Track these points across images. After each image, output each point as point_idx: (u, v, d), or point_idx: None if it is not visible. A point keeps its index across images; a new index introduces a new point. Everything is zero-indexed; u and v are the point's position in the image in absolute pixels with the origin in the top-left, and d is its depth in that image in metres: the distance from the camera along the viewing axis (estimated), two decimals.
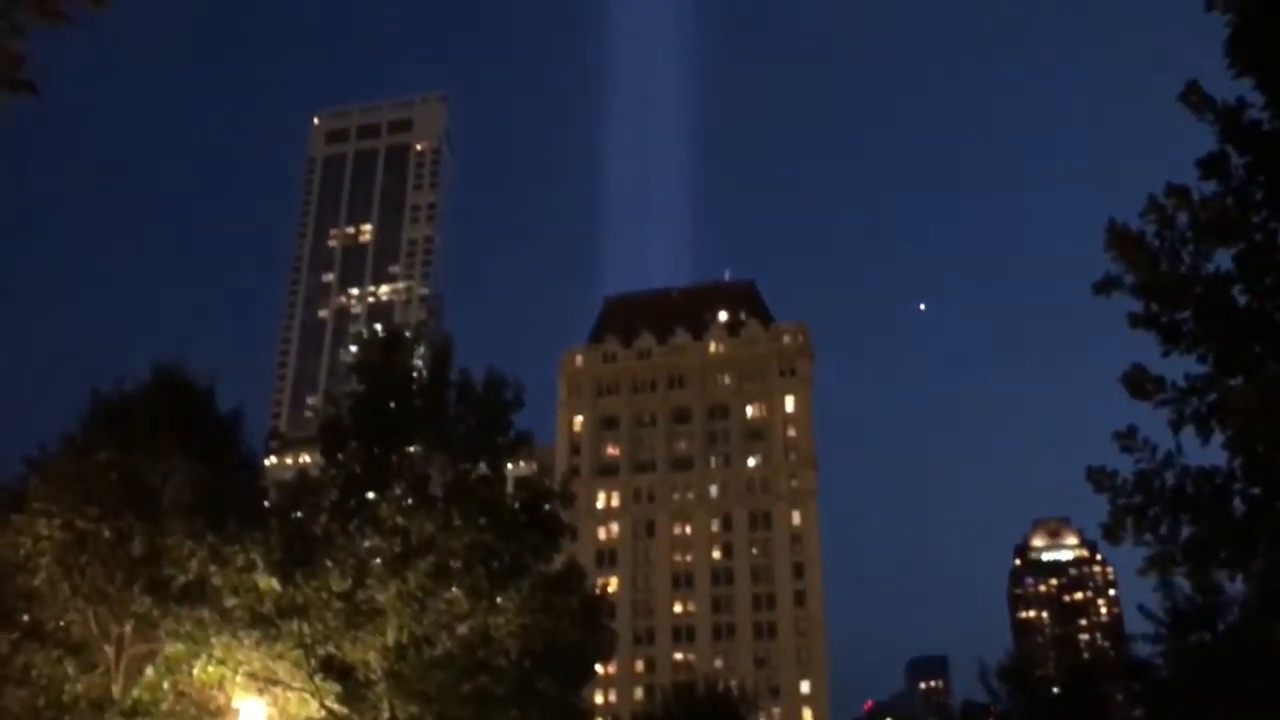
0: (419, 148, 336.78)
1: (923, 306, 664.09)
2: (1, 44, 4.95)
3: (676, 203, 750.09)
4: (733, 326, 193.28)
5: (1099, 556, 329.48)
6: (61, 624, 32.76)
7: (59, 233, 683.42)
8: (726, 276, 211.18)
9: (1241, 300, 11.31)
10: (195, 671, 30.99)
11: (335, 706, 30.63)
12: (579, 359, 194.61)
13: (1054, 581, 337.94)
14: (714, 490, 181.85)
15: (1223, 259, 11.46)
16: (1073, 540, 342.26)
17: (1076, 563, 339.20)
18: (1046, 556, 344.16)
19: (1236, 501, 11.42)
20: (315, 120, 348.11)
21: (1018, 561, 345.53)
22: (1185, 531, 11.52)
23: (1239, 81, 11.01)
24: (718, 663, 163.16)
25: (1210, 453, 11.49)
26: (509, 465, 36.57)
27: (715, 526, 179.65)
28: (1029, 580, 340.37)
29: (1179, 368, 11.53)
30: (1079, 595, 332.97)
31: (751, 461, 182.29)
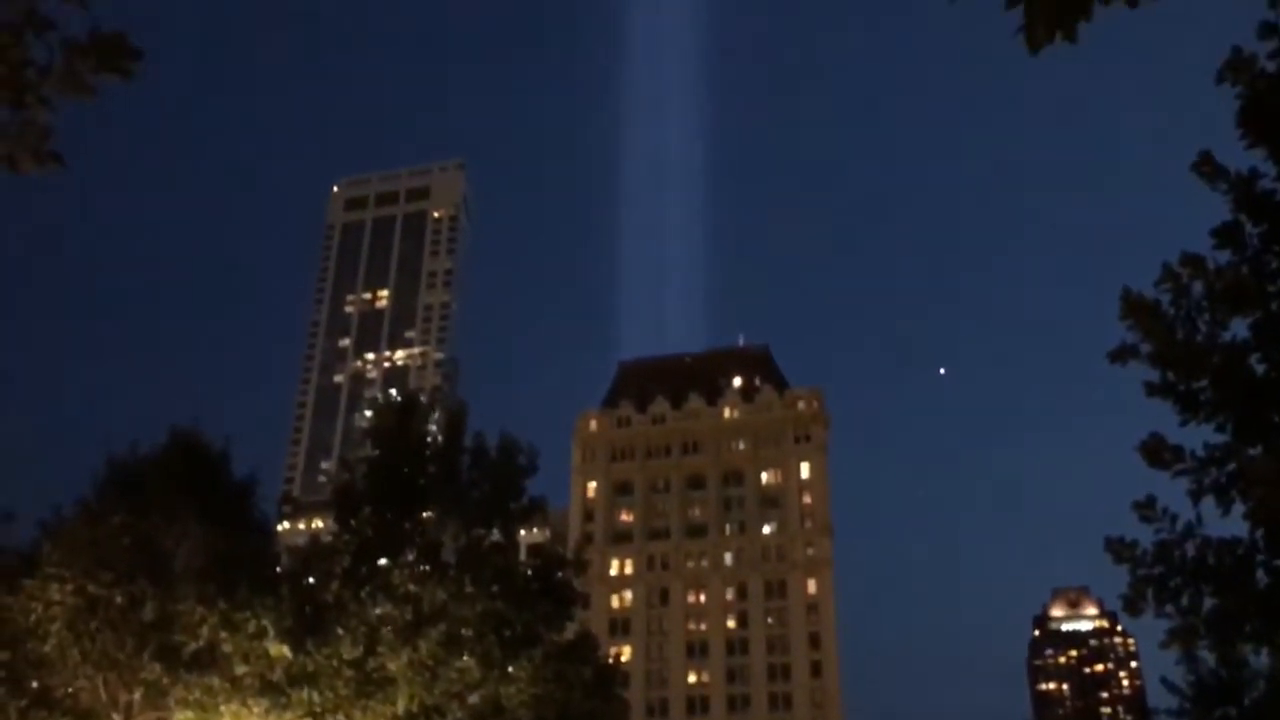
0: (437, 214, 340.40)
1: (943, 371, 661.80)
2: (30, 116, 5.06)
3: (692, 268, 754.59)
4: (747, 392, 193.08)
5: (1120, 627, 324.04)
6: (70, 691, 32.52)
7: (78, 297, 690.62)
8: (741, 342, 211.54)
9: (1259, 369, 11.26)
10: None
11: None
12: (593, 424, 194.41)
13: (1074, 653, 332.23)
14: (729, 558, 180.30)
15: (1239, 328, 11.43)
16: (1093, 610, 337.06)
17: (1097, 633, 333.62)
18: (1066, 627, 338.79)
19: (1260, 574, 11.26)
20: (334, 188, 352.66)
21: (1037, 632, 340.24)
22: (1208, 604, 11.34)
23: (1251, 152, 11.07)
24: None
25: (1231, 523, 11.35)
26: (522, 531, 36.45)
27: (730, 595, 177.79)
28: (1049, 651, 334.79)
29: (1198, 437, 11.44)
30: (1100, 667, 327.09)
31: (767, 529, 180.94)
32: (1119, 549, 11.64)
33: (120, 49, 5.11)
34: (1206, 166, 11.40)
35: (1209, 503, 11.29)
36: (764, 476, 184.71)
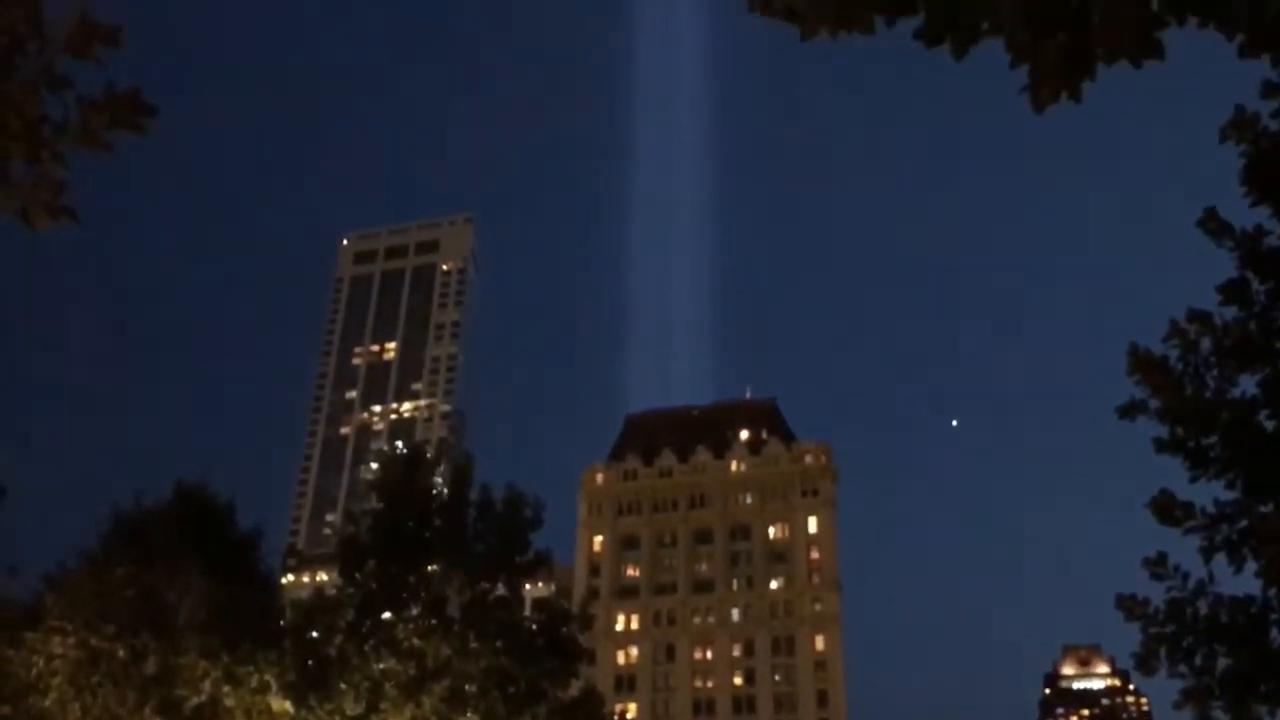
0: (445, 267, 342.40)
1: (955, 423, 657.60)
2: (45, 172, 5.11)
3: (698, 320, 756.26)
4: (754, 445, 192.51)
5: (1132, 686, 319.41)
6: None
7: (83, 349, 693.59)
8: (748, 394, 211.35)
9: (1269, 426, 11.21)
10: None
11: None
12: (600, 477, 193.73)
13: (1086, 712, 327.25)
14: (736, 614, 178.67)
15: (1248, 384, 11.41)
16: (1104, 669, 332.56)
17: (1109, 692, 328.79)
18: (1078, 685, 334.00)
19: (1274, 633, 11.12)
20: (344, 241, 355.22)
21: (1048, 690, 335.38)
22: (1222, 663, 11.19)
23: (1256, 209, 11.11)
24: None
25: (1244, 581, 11.24)
26: (527, 586, 36.20)
27: (737, 651, 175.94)
28: (1060, 710, 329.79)
29: (1208, 493, 11.36)
30: None
31: (774, 584, 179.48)
32: (1130, 606, 11.52)
33: (134, 106, 5.18)
34: (1212, 223, 11.45)
35: (1221, 560, 11.19)
36: (771, 531, 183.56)
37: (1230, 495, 11.31)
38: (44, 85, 5.05)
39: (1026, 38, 4.72)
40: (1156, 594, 11.44)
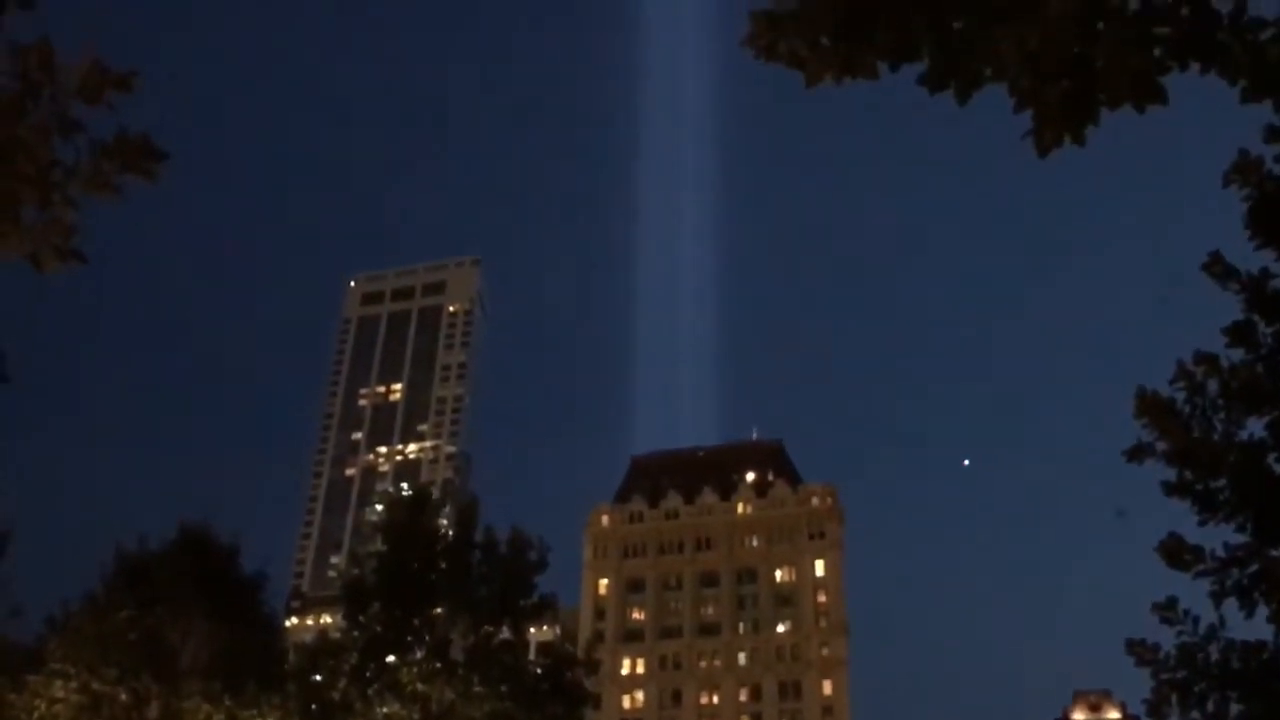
0: (452, 309, 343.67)
1: (967, 462, 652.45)
2: (55, 215, 5.15)
3: (705, 361, 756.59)
4: (760, 487, 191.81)
5: None
6: None
7: (90, 389, 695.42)
8: (754, 436, 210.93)
9: (1277, 469, 11.16)
10: None
11: None
12: (605, 519, 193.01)
13: None
14: (742, 658, 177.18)
15: (1256, 426, 11.38)
16: (1115, 715, 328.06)
17: None
18: None
19: None
20: (351, 283, 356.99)
21: None
22: (1234, 710, 11.08)
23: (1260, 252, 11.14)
24: None
25: (1255, 626, 11.14)
26: (532, 629, 35.97)
27: (744, 696, 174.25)
28: None
29: (1218, 536, 11.29)
30: None
31: (781, 628, 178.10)
32: (1141, 651, 11.42)
33: (145, 151, 5.23)
34: (1217, 266, 11.48)
35: (1232, 605, 11.10)
36: (778, 574, 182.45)
37: (1241, 539, 11.25)
38: (56, 130, 5.10)
39: (1029, 83, 4.77)
40: (1167, 639, 11.35)
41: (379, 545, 36.00)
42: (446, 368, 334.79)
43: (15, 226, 5.15)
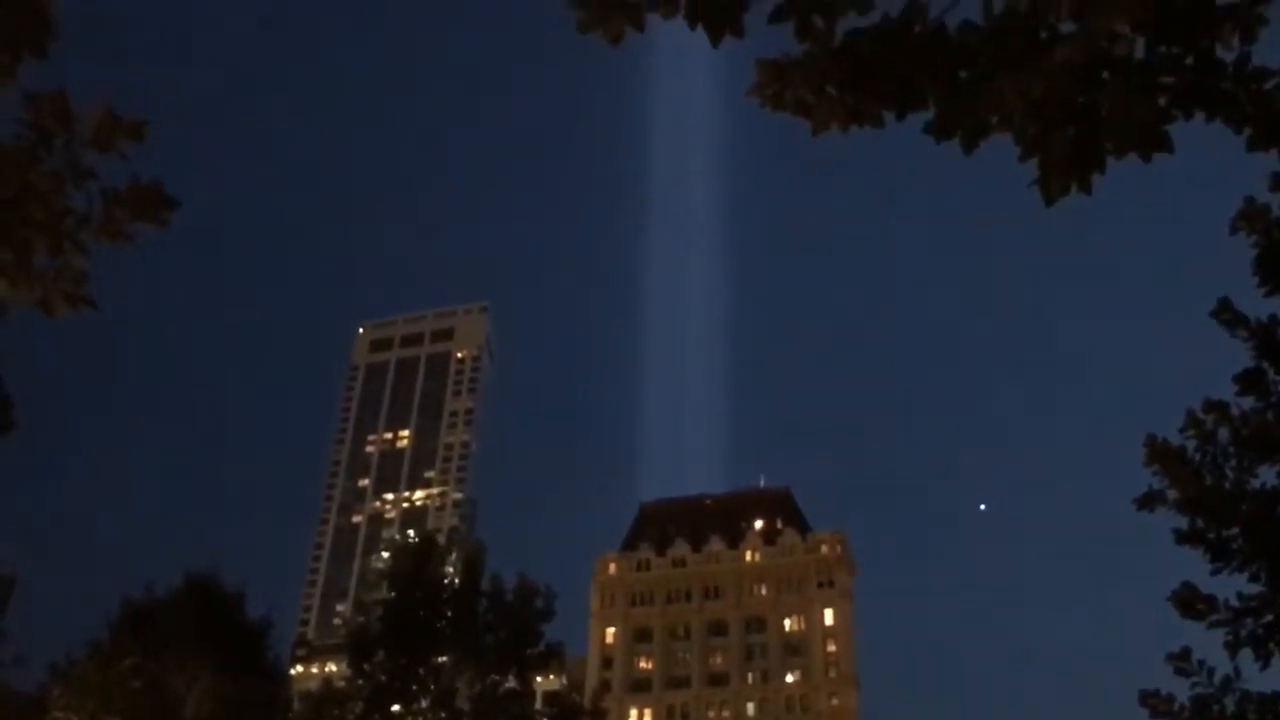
0: (460, 355, 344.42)
1: (984, 507, 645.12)
2: (67, 262, 5.19)
3: (713, 408, 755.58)
4: (769, 535, 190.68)
5: None
6: None
7: (96, 435, 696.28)
8: (762, 483, 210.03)
9: None
10: None
11: None
12: (612, 567, 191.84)
13: None
14: (751, 708, 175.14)
15: (1268, 475, 11.31)
16: None
17: None
18: None
19: None
20: (360, 329, 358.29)
21: None
22: None
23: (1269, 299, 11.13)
24: None
25: (1271, 677, 10.99)
26: (538, 678, 35.65)
27: None
28: None
29: (1231, 586, 11.18)
30: None
31: (790, 678, 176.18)
32: (1155, 703, 11.27)
33: (157, 198, 5.28)
34: (1226, 314, 11.47)
35: (1247, 655, 10.97)
36: (787, 623, 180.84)
37: (1255, 588, 11.14)
38: (69, 178, 5.15)
39: (1035, 132, 4.79)
40: (1182, 691, 11.21)
41: (385, 593, 35.81)
42: (454, 414, 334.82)
43: (27, 273, 5.19)
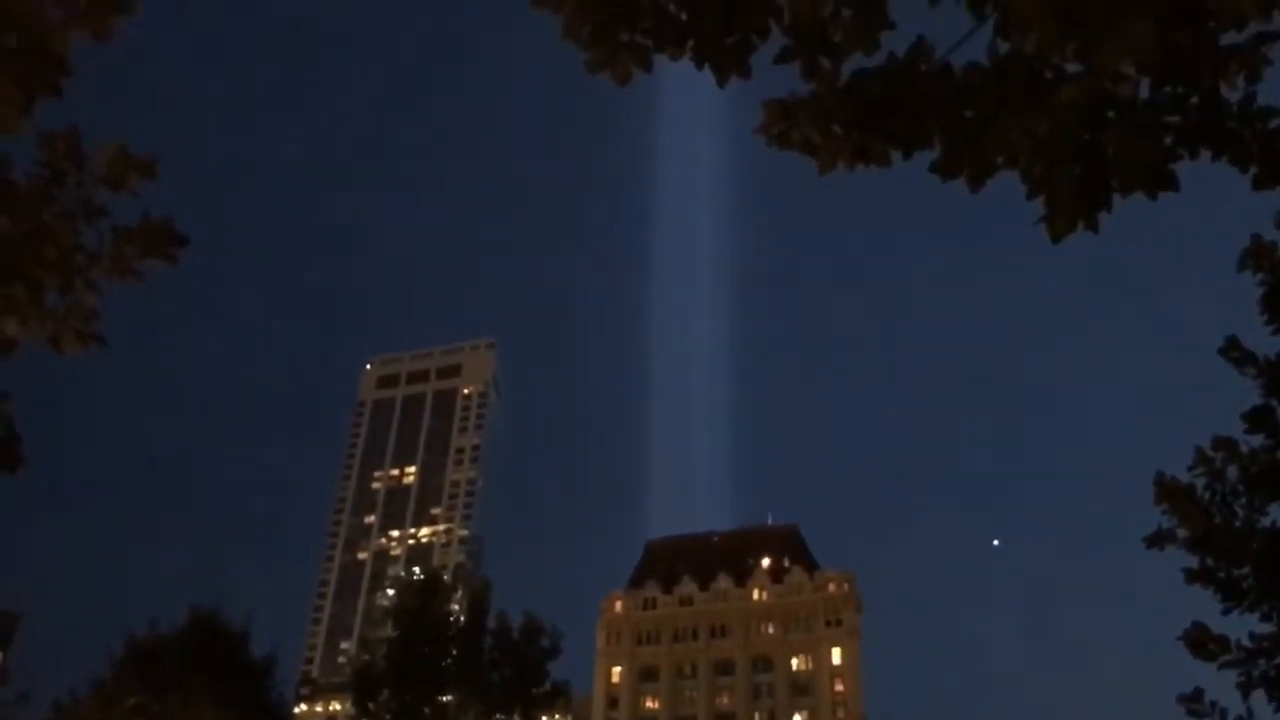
0: (466, 391, 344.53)
1: (997, 543, 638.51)
2: (78, 299, 5.21)
3: (720, 445, 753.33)
4: (776, 573, 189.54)
5: None
6: None
7: (102, 472, 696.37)
8: (769, 520, 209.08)
9: None
10: None
11: None
12: (619, 605, 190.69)
13: None
14: None
15: (1278, 512, 11.23)
16: None
17: None
18: None
19: None
20: (368, 366, 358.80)
21: None
22: None
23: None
24: None
25: None
26: (544, 717, 35.34)
27: None
28: None
29: (1243, 626, 11.07)
30: None
31: (797, 717, 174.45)
32: None
33: (168, 236, 5.31)
34: (1234, 351, 11.45)
35: (1260, 696, 10.85)
36: (794, 662, 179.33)
37: (1267, 628, 11.04)
38: (81, 216, 5.19)
39: (1041, 170, 4.81)
40: None
41: (390, 631, 35.60)
42: (460, 450, 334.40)
43: (38, 310, 5.21)
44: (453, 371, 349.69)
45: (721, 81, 4.84)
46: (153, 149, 5.26)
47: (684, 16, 4.77)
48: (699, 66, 4.83)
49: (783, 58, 4.84)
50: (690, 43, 4.80)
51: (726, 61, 4.81)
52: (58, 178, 5.14)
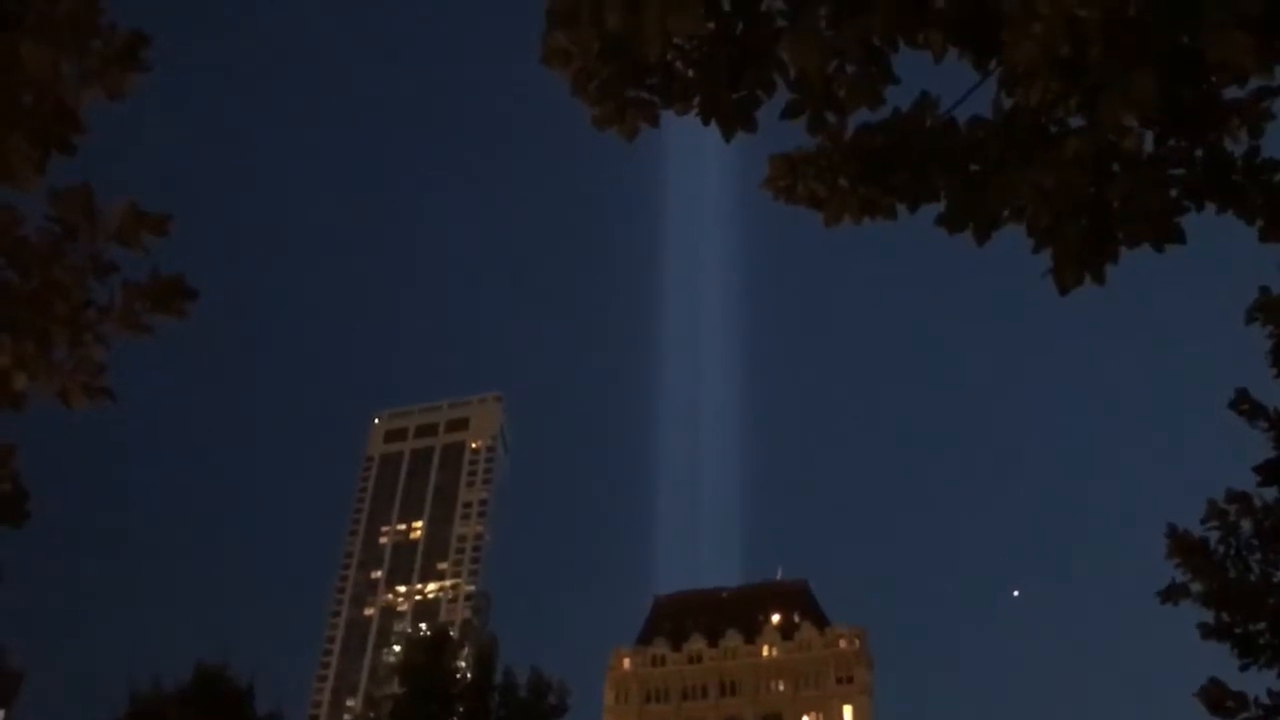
0: (474, 445, 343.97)
1: (1017, 593, 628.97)
2: (86, 353, 5.22)
3: (728, 499, 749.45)
4: (786, 629, 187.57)
5: None
6: None
7: (104, 527, 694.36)
8: (779, 575, 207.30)
9: None
10: None
11: None
12: (627, 661, 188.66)
13: None
14: None
15: None
16: None
17: None
18: None
19: None
20: (375, 420, 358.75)
21: None
22: None
23: None
24: None
25: None
26: None
27: None
28: None
29: (1261, 682, 10.90)
30: None
31: None
32: None
33: (177, 290, 5.32)
34: (1244, 405, 11.39)
35: None
36: None
37: None
38: (91, 272, 5.21)
39: (1047, 223, 4.82)
40: None
41: (396, 688, 35.25)
42: (467, 505, 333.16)
43: (46, 364, 5.22)
44: (460, 425, 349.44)
45: (728, 136, 4.89)
46: (163, 206, 5.29)
47: (690, 73, 4.82)
48: (705, 121, 4.87)
49: (789, 112, 4.89)
50: (697, 98, 4.85)
51: (733, 117, 4.86)
52: (69, 233, 5.17)
